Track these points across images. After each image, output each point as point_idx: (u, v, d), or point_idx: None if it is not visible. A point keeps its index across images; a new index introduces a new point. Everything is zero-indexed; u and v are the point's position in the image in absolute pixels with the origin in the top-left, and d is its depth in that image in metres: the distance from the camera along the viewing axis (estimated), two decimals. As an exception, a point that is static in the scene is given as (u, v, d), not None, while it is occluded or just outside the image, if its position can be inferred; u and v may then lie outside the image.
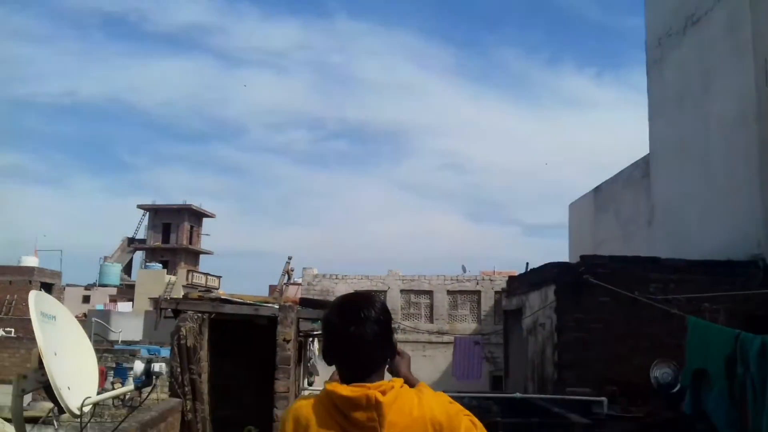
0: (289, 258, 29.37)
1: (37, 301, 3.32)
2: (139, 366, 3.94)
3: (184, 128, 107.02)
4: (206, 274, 52.74)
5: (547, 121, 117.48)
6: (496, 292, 24.24)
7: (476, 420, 2.12)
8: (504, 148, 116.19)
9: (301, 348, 12.55)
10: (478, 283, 25.65)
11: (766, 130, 8.78)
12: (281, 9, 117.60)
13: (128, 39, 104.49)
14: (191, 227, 61.16)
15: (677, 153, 11.01)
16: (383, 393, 1.85)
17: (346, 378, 1.93)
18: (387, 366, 2.05)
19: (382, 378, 1.95)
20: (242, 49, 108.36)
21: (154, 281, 46.07)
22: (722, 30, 9.72)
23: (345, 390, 1.87)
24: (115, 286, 53.44)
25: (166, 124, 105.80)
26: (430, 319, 25.00)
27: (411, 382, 2.25)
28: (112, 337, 28.66)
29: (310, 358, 15.67)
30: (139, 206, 61.74)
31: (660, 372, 8.10)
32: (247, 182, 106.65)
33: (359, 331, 1.90)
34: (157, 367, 3.92)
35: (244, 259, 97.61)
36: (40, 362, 3.16)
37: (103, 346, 23.02)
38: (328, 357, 1.99)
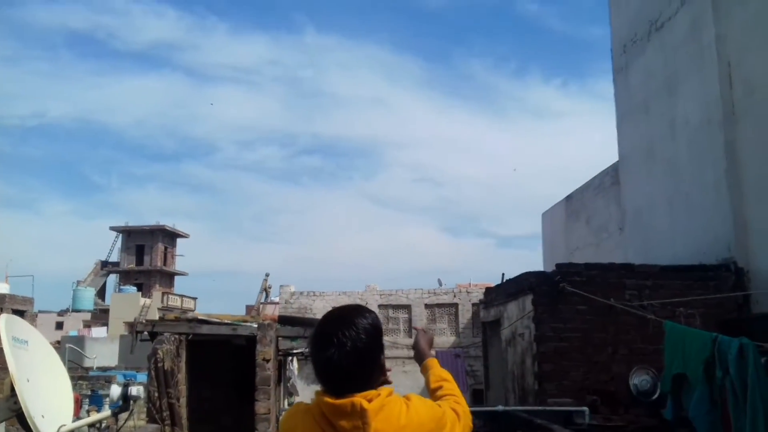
0: (267, 275, 29.11)
1: (8, 324, 3.22)
2: (116, 390, 3.86)
3: (155, 147, 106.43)
4: (181, 296, 52.08)
5: (516, 132, 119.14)
6: (473, 305, 24.32)
7: (461, 407, 2.14)
8: (475, 160, 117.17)
9: (281, 367, 12.42)
10: (455, 296, 25.72)
11: (732, 133, 8.88)
12: (250, 24, 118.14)
13: (97, 57, 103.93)
14: (165, 248, 60.53)
15: (645, 159, 11.14)
16: (369, 401, 1.83)
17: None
18: (381, 378, 2.01)
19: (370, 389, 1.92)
20: (212, 66, 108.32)
21: (129, 305, 45.34)
22: (686, 34, 9.85)
23: (331, 398, 1.85)
24: (88, 311, 52.53)
25: (137, 144, 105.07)
26: (409, 333, 24.96)
27: (424, 356, 2.43)
28: (87, 363, 28.11)
29: (290, 378, 15.52)
30: (112, 228, 61.10)
31: (639, 379, 8.15)
32: (220, 201, 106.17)
33: (333, 356, 1.86)
34: (134, 390, 3.85)
35: (219, 279, 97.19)
36: (12, 389, 3.07)
37: (78, 373, 22.56)
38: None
